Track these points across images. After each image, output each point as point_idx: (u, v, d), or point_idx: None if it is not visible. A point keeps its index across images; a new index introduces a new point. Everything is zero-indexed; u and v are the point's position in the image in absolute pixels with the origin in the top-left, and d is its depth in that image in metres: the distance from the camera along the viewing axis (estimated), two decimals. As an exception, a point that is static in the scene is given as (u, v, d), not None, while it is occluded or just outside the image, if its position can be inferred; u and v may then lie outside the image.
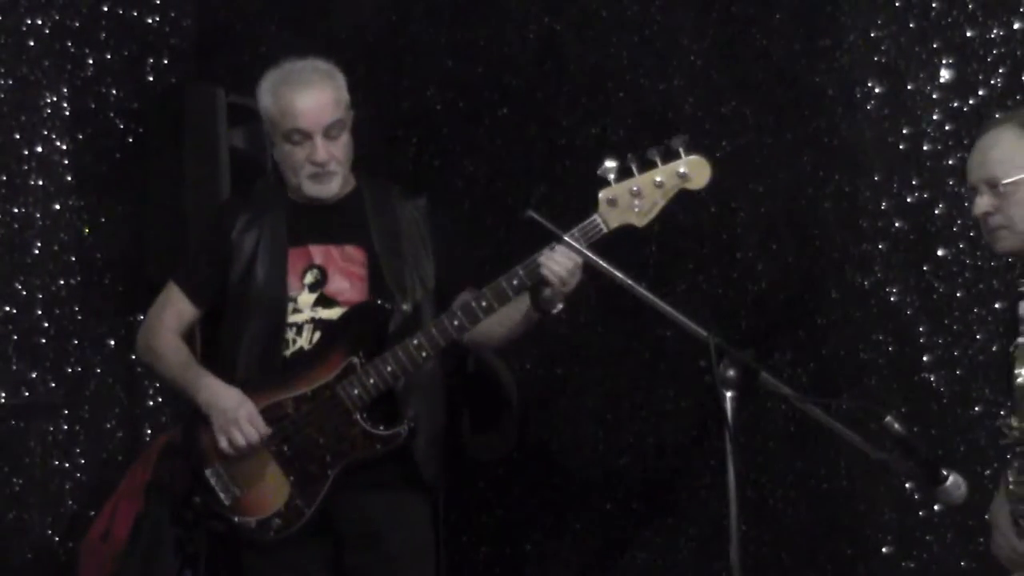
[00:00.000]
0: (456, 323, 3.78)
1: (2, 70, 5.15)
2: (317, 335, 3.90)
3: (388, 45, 5.20)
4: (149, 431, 5.29)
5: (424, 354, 3.79)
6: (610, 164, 3.62)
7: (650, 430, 4.73)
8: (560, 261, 3.67)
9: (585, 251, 3.51)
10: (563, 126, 4.92)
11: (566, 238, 3.54)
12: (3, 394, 4.94)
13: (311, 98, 3.90)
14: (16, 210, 5.15)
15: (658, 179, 3.65)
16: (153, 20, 5.47)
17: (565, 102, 4.93)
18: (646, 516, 4.73)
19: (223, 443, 3.84)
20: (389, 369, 3.80)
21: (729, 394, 3.12)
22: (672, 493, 4.70)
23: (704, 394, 4.38)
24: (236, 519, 3.88)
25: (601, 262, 3.47)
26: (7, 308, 5.10)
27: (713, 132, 4.66)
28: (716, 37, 4.70)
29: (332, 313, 3.91)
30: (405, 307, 3.90)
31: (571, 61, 4.92)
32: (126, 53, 5.39)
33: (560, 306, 3.79)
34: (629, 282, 3.32)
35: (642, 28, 4.81)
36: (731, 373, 3.13)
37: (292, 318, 3.92)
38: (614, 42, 4.86)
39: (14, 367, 5.06)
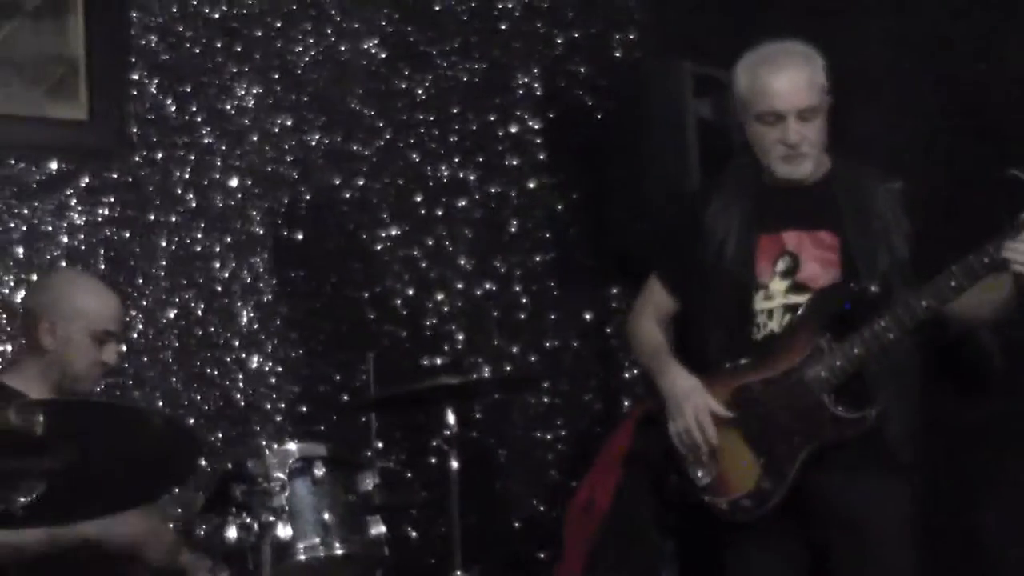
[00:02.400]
0: (924, 304, 3.71)
1: (476, 54, 5.36)
2: (787, 319, 3.90)
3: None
4: (626, 402, 5.41)
5: (891, 335, 3.74)
6: None
7: None
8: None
9: None
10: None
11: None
12: (487, 369, 5.15)
13: (787, 80, 3.89)
14: (493, 190, 5.37)
15: None
16: (618, -4, 5.59)
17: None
18: None
19: (671, 429, 3.91)
20: (856, 351, 3.77)
21: None
22: None
23: None
24: (707, 499, 3.92)
25: None
26: (488, 285, 5.32)
27: None
28: None
29: (803, 299, 3.90)
30: (874, 288, 3.83)
31: None
32: (593, 31, 5.52)
33: None
34: None
35: None
36: None
37: (764, 304, 3.93)
38: None
39: (495, 342, 5.28)
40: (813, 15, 4.68)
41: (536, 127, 5.43)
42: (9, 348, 4.42)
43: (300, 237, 5.02)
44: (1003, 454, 4.56)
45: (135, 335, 4.61)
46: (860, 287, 3.84)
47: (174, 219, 4.81)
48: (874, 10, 4.89)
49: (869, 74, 4.81)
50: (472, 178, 5.32)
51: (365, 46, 5.16)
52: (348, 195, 5.12)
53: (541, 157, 5.43)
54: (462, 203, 5.30)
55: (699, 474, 3.92)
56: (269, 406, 4.88)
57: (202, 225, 4.85)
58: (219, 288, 4.87)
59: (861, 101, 4.62)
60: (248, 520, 3.59)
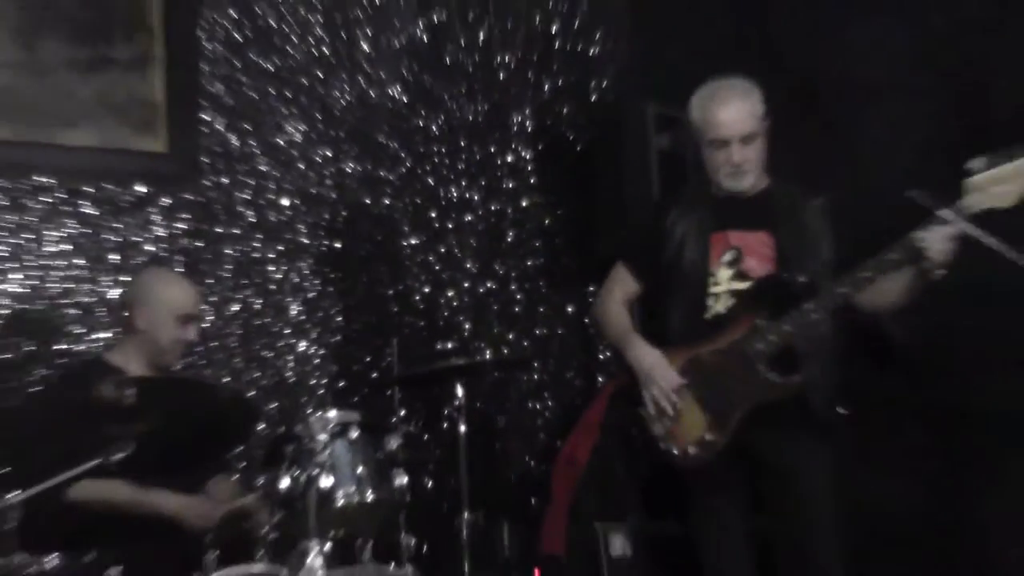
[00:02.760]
0: (843, 291, 3.73)
1: (480, 97, 5.38)
2: (732, 303, 3.91)
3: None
4: (601, 379, 5.41)
5: (816, 316, 3.76)
6: (977, 159, 3.55)
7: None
8: (934, 237, 3.60)
9: (960, 223, 3.48)
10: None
11: (940, 213, 3.51)
12: (488, 352, 5.17)
13: (731, 111, 3.91)
14: (494, 207, 5.39)
15: (1017, 170, 3.53)
16: (595, 51, 5.57)
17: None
18: (1015, 440, 4.39)
19: (645, 395, 3.93)
20: (786, 328, 3.78)
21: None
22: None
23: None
24: (663, 447, 3.93)
25: (972, 229, 3.44)
26: (489, 284, 5.34)
27: None
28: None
29: (744, 285, 3.91)
30: (802, 279, 3.88)
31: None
32: (573, 79, 5.52)
33: (942, 272, 3.71)
34: (999, 245, 3.31)
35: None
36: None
37: (713, 289, 3.93)
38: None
39: (495, 330, 5.30)
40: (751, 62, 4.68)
41: (528, 156, 5.45)
42: (110, 334, 4.47)
43: (338, 245, 5.03)
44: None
45: (206, 325, 4.60)
46: (791, 277, 3.86)
47: (236, 232, 4.83)
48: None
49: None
50: (476, 198, 5.34)
51: (390, 91, 5.18)
52: (376, 211, 5.13)
53: (532, 181, 5.45)
54: (468, 218, 5.32)
55: (657, 429, 3.93)
56: (313, 382, 4.89)
57: (259, 236, 4.86)
58: (273, 287, 4.87)
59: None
60: (297, 473, 3.55)
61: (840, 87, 4.60)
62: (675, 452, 3.90)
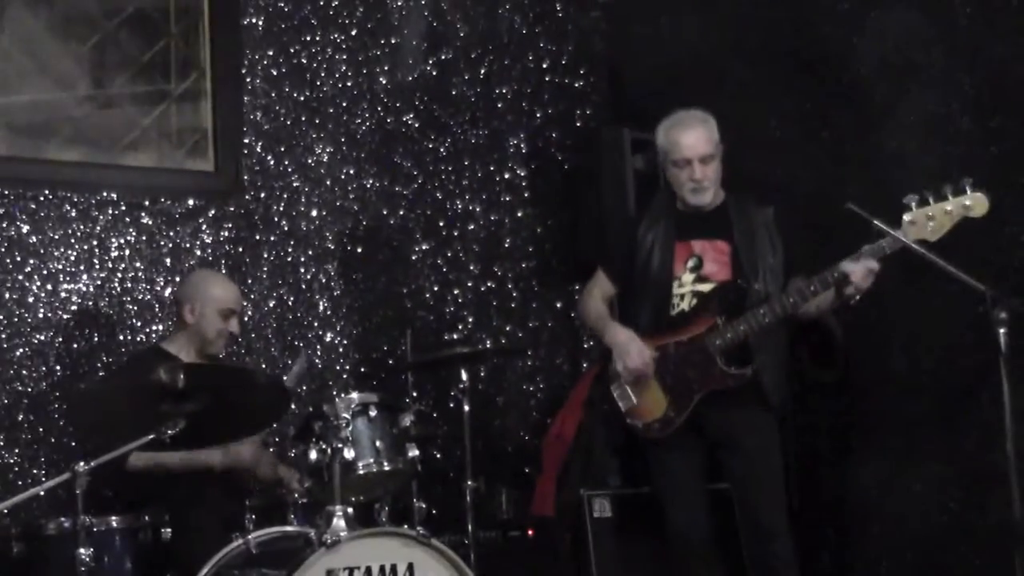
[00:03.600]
0: (792, 300, 3.77)
1: (481, 123, 5.36)
2: (694, 302, 3.93)
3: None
4: (585, 364, 5.39)
5: (767, 320, 3.78)
6: (912, 196, 3.56)
7: (937, 357, 4.44)
8: (859, 270, 3.64)
9: (896, 234, 3.53)
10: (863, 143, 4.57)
11: (878, 223, 3.54)
12: (488, 342, 5.13)
13: (692, 136, 3.94)
14: (493, 217, 5.36)
15: (948, 208, 3.55)
16: (579, 84, 5.56)
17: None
18: (931, 419, 4.37)
19: (619, 366, 3.94)
20: (742, 328, 3.80)
21: (1002, 331, 3.14)
22: (954, 403, 4.32)
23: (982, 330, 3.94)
24: (628, 421, 3.95)
25: (904, 239, 3.52)
26: (489, 283, 5.30)
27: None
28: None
29: (705, 288, 3.93)
30: (756, 286, 3.88)
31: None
32: (562, 108, 5.51)
33: (857, 298, 3.72)
34: (929, 255, 3.41)
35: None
36: (1003, 316, 3.16)
37: (678, 291, 3.95)
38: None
39: (494, 323, 5.27)
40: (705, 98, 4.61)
41: (523, 174, 5.40)
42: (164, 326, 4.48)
43: (360, 250, 5.00)
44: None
45: (246, 319, 4.60)
46: (747, 283, 3.88)
47: (273, 239, 4.80)
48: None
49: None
50: (478, 209, 5.30)
51: (404, 119, 5.15)
52: (393, 221, 5.09)
53: (526, 195, 5.40)
54: (471, 227, 5.28)
55: (622, 404, 3.96)
56: (338, 367, 4.87)
57: (292, 243, 4.84)
58: (303, 286, 4.85)
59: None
60: (324, 446, 3.56)
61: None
62: (639, 426, 3.94)
